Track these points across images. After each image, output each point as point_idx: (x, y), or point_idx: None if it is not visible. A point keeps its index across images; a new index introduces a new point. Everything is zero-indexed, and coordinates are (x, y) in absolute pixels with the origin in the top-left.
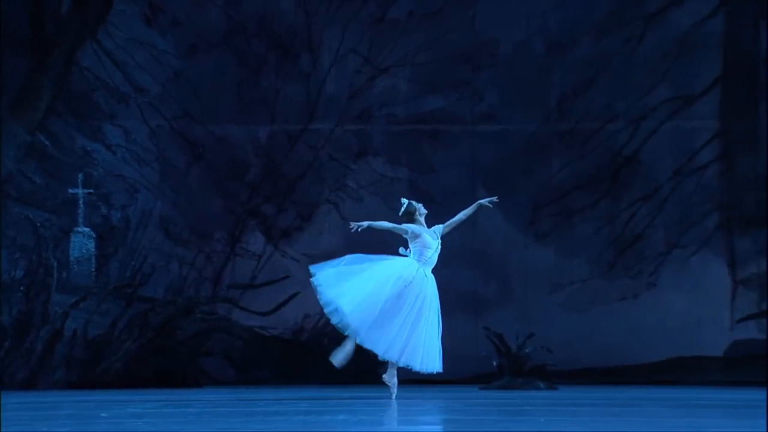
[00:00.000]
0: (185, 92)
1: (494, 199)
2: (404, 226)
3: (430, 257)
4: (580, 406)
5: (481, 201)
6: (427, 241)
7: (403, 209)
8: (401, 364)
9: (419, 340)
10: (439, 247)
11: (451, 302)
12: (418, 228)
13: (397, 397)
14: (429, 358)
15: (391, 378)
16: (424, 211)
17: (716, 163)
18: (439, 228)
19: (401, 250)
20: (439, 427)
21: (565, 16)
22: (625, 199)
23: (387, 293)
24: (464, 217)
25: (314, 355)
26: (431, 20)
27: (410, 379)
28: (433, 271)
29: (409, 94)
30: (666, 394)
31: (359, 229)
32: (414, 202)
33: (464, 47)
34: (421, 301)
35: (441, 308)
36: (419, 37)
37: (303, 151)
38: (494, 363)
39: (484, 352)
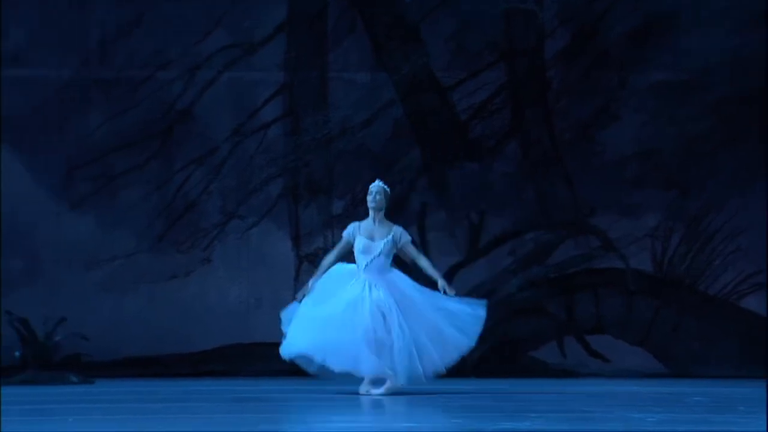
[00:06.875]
0: None
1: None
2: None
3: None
4: (117, 402)
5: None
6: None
7: None
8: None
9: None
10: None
11: None
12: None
13: None
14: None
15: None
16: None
17: (280, 122)
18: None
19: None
20: None
21: None
22: (178, 161)
23: None
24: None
25: None
26: None
27: None
28: None
29: None
30: (218, 387)
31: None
32: (373, 186)
33: None
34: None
35: None
36: None
37: None
38: (16, 353)
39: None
